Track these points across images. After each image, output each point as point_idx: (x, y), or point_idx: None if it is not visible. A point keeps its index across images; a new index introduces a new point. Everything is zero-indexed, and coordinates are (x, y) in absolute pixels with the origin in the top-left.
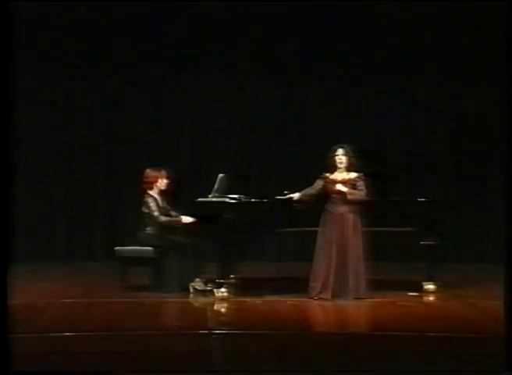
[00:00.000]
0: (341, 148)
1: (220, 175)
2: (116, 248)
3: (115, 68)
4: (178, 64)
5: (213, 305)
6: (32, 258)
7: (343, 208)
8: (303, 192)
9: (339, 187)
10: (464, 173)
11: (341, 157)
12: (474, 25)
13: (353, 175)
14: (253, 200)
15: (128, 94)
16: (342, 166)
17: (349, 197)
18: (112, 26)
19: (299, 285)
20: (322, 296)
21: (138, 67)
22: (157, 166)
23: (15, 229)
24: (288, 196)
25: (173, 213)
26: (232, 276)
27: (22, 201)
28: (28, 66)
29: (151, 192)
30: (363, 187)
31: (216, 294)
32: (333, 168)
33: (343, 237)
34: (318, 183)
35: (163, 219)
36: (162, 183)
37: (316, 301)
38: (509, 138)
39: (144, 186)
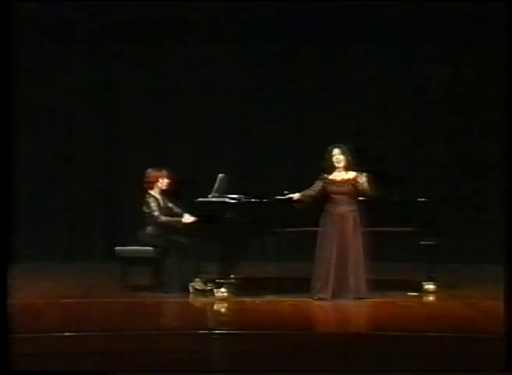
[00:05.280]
0: (337, 147)
1: (220, 175)
2: (116, 248)
3: (116, 67)
4: (178, 64)
5: (213, 305)
6: (32, 258)
7: (343, 209)
8: (302, 193)
9: (363, 179)
10: (463, 173)
11: (338, 156)
12: (475, 25)
13: (352, 174)
14: (253, 200)
15: (128, 94)
16: (340, 165)
17: (361, 188)
18: (111, 26)
19: (299, 285)
20: (322, 296)
21: (138, 67)
22: (157, 165)
23: (15, 229)
24: (288, 196)
25: (177, 211)
26: (232, 276)
27: (22, 200)
28: (28, 61)
29: (152, 192)
30: (366, 185)
31: (216, 294)
32: (332, 168)
33: (343, 238)
34: (318, 185)
35: (163, 219)
36: (163, 183)
37: (316, 301)
38: (509, 138)
39: (144, 186)
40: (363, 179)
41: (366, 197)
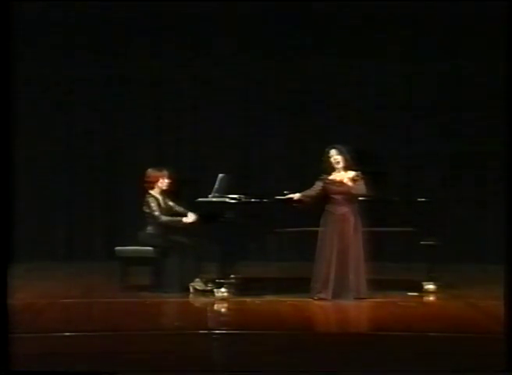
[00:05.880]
0: (333, 148)
1: (220, 175)
2: (116, 248)
3: (116, 67)
4: (178, 63)
5: (213, 305)
6: (32, 258)
7: (344, 209)
8: (303, 193)
9: (346, 179)
10: (463, 173)
11: (336, 157)
12: (475, 25)
13: (351, 174)
14: (253, 200)
15: (128, 94)
16: (339, 166)
17: (353, 191)
18: (111, 25)
19: (299, 285)
20: (322, 296)
21: (138, 66)
22: (158, 165)
23: (15, 229)
24: (288, 196)
25: (179, 209)
26: (232, 276)
27: (22, 201)
28: (28, 64)
29: (152, 192)
30: (363, 186)
31: (216, 294)
32: (331, 169)
33: (343, 238)
34: (318, 185)
35: (164, 218)
36: (164, 182)
37: (316, 301)
38: (509, 138)
39: (145, 186)
40: (349, 176)
41: (364, 197)
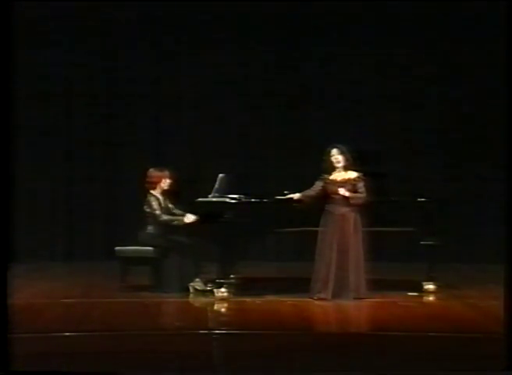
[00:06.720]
0: (335, 147)
1: (220, 175)
2: (116, 248)
3: (116, 67)
4: (178, 62)
5: (213, 305)
6: (32, 258)
7: (344, 209)
8: (303, 193)
9: (342, 191)
10: (463, 173)
11: (337, 156)
12: (474, 25)
13: (352, 175)
14: (253, 200)
15: (128, 93)
16: (339, 165)
17: (351, 201)
18: (110, 24)
19: (299, 285)
20: (322, 296)
21: (138, 65)
22: (159, 165)
23: (15, 229)
24: (288, 196)
25: (178, 212)
26: (232, 276)
27: (22, 201)
28: (29, 63)
29: (153, 192)
30: (363, 189)
31: (216, 294)
32: (332, 169)
33: (343, 238)
34: (318, 185)
35: (165, 217)
36: (165, 183)
37: (316, 301)
38: (509, 138)
39: (146, 186)
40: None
41: (362, 203)
